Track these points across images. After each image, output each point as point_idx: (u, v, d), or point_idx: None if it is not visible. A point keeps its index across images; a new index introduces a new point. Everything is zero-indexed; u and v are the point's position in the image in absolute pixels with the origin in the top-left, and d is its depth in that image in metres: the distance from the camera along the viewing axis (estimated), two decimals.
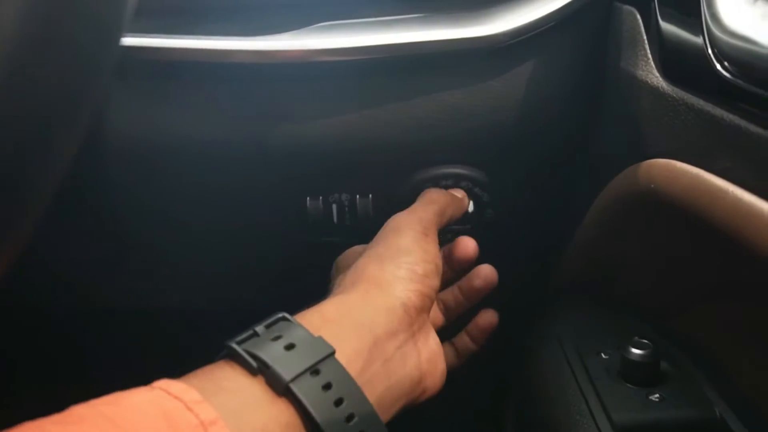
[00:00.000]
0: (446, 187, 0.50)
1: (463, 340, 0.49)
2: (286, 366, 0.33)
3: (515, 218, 0.51)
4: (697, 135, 0.36)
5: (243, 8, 0.47)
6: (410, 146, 0.47)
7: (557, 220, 0.52)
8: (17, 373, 0.77)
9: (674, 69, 0.38)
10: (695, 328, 0.44)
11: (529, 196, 0.52)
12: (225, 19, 0.46)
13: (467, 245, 0.48)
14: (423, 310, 0.43)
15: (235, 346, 0.34)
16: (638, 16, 0.42)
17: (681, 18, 0.38)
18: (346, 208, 0.51)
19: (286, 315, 0.38)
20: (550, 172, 0.51)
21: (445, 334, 0.49)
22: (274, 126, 0.47)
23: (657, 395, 0.41)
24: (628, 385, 0.42)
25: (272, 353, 0.34)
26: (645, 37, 0.41)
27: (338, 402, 0.34)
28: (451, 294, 0.49)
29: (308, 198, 0.50)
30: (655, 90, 0.39)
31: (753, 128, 0.32)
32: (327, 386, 0.34)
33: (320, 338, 0.36)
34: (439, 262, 0.46)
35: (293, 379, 0.33)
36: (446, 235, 0.51)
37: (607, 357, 0.45)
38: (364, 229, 0.49)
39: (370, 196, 0.50)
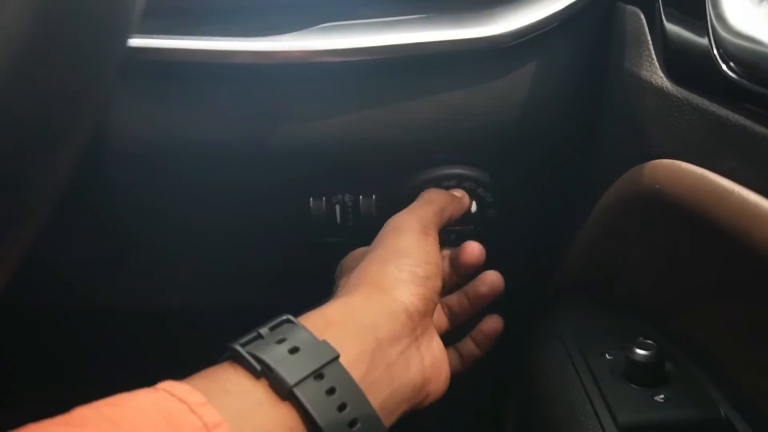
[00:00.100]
0: (448, 188, 0.50)
1: (468, 345, 0.49)
2: (290, 370, 0.33)
3: (518, 218, 0.51)
4: (701, 135, 0.36)
5: (244, 9, 0.47)
6: (413, 147, 0.47)
7: (560, 220, 0.52)
8: (17, 373, 0.76)
9: (679, 69, 0.38)
10: (697, 329, 0.44)
11: (531, 196, 0.52)
12: (226, 19, 0.46)
13: (473, 250, 0.48)
14: (426, 313, 0.43)
15: (239, 348, 0.34)
16: (642, 17, 0.41)
17: (685, 18, 0.38)
18: (349, 209, 0.51)
19: (291, 317, 0.37)
20: (552, 173, 0.51)
21: (449, 338, 0.49)
22: (275, 127, 0.47)
23: (662, 396, 0.41)
24: (633, 385, 0.42)
25: (276, 356, 0.34)
26: (649, 38, 0.40)
27: (341, 407, 0.34)
28: (457, 299, 0.49)
29: (311, 198, 0.50)
30: (659, 90, 0.39)
31: (758, 128, 0.32)
32: (330, 391, 0.34)
33: (324, 342, 0.36)
34: (440, 262, 0.45)
35: (297, 384, 0.33)
36: (449, 235, 0.51)
37: (611, 357, 0.45)
38: (367, 230, 0.49)
39: (373, 196, 0.50)
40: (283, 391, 0.33)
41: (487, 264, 0.48)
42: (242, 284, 0.60)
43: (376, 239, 0.46)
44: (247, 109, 0.47)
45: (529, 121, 0.46)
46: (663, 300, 0.46)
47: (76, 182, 0.27)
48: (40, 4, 0.22)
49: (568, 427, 0.43)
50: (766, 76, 0.31)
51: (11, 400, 0.74)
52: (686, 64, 0.37)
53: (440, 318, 0.49)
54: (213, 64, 0.45)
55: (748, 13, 0.33)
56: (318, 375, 0.34)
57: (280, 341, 0.35)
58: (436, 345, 0.43)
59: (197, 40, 0.44)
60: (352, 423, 0.34)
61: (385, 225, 0.46)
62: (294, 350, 0.35)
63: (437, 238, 0.46)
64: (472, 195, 0.50)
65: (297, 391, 0.33)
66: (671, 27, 0.38)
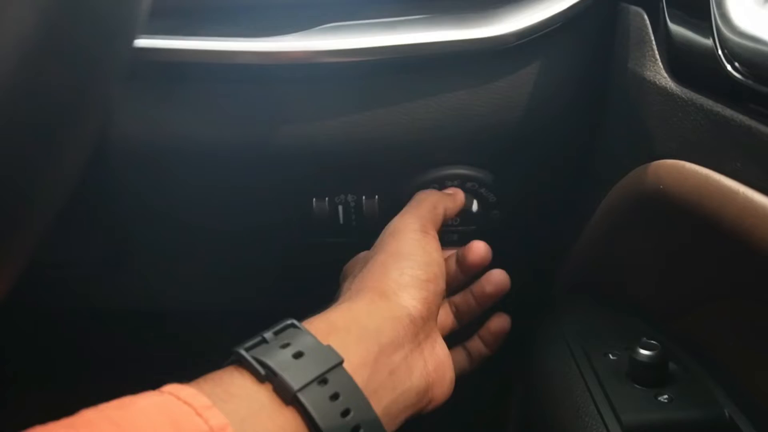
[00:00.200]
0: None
1: (476, 344, 0.50)
2: (294, 374, 0.33)
3: (521, 218, 0.51)
4: (706, 136, 0.36)
5: (246, 9, 0.47)
6: (416, 147, 0.47)
7: (563, 220, 0.52)
8: (18, 373, 0.76)
9: (683, 70, 0.38)
10: (701, 329, 0.44)
11: (535, 196, 0.52)
12: (229, 20, 0.46)
13: (479, 249, 0.48)
14: (429, 318, 0.43)
15: (243, 352, 0.34)
16: (646, 17, 0.41)
17: (689, 19, 0.37)
18: (352, 209, 0.51)
19: (295, 322, 0.38)
20: (555, 173, 0.51)
21: (457, 338, 0.49)
22: (278, 127, 0.47)
23: (666, 396, 0.41)
24: (637, 385, 0.42)
25: (280, 361, 0.34)
26: (653, 38, 0.40)
27: (345, 413, 0.34)
28: (464, 299, 0.49)
29: (314, 199, 0.50)
30: (663, 90, 0.39)
31: (763, 129, 0.32)
32: (334, 396, 0.34)
33: (329, 347, 0.36)
34: (442, 261, 0.46)
35: (301, 389, 0.33)
36: (451, 236, 0.51)
37: (614, 358, 0.45)
38: (370, 230, 0.49)
39: (376, 197, 0.50)
40: (288, 396, 0.33)
41: (491, 264, 0.48)
42: (244, 284, 0.60)
43: (376, 244, 0.46)
44: (249, 110, 0.47)
45: (533, 122, 0.46)
46: (667, 300, 0.46)
47: (78, 182, 0.27)
48: (46, 6, 0.21)
49: (572, 428, 0.43)
50: None
51: (11, 400, 0.74)
52: (690, 65, 0.37)
53: (447, 317, 0.49)
54: (215, 65, 0.45)
55: (753, 14, 0.33)
56: (322, 380, 0.34)
57: (285, 346, 0.35)
58: (439, 349, 0.44)
59: (200, 40, 0.44)
60: (355, 429, 0.34)
61: (384, 230, 0.46)
62: (298, 355, 0.35)
63: (437, 237, 0.47)
64: (475, 195, 0.50)
65: (301, 396, 0.33)
66: (675, 27, 0.38)
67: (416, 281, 0.43)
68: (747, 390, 0.40)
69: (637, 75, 0.41)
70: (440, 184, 0.49)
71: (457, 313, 0.49)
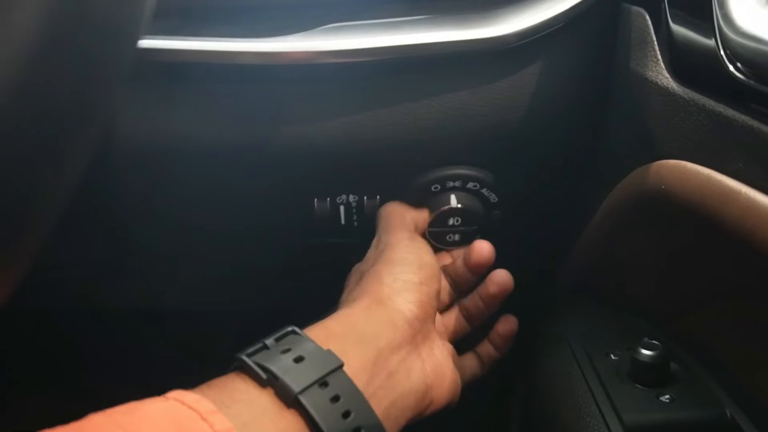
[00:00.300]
0: (453, 188, 0.49)
1: (486, 348, 0.50)
2: (295, 378, 0.34)
3: (523, 219, 0.51)
4: (708, 136, 0.36)
5: (248, 10, 0.47)
6: (417, 147, 0.47)
7: (565, 221, 0.52)
8: (18, 373, 0.76)
9: (685, 70, 0.38)
10: (703, 329, 0.44)
11: (536, 197, 0.52)
12: (230, 20, 0.46)
13: (482, 249, 0.48)
14: (426, 319, 0.44)
15: (245, 358, 0.35)
16: (647, 17, 0.41)
17: (691, 19, 0.38)
18: (354, 210, 0.51)
19: (296, 328, 0.38)
20: (556, 173, 0.51)
21: (469, 343, 0.50)
22: (279, 127, 0.47)
23: (667, 396, 0.41)
24: (638, 386, 0.42)
25: (282, 365, 0.35)
26: (655, 38, 0.40)
27: (346, 414, 0.35)
28: (473, 301, 0.50)
29: (315, 199, 0.50)
30: (665, 91, 0.39)
31: (765, 129, 0.32)
32: (335, 398, 0.35)
33: (329, 351, 0.37)
34: (434, 263, 0.47)
35: (302, 391, 0.34)
36: (453, 236, 0.51)
37: (616, 358, 0.45)
38: (371, 230, 0.49)
39: (378, 197, 0.50)
40: (289, 399, 0.34)
41: (492, 265, 0.48)
42: (245, 284, 0.60)
43: (367, 257, 0.48)
44: (251, 110, 0.47)
45: (534, 122, 0.46)
46: (668, 300, 0.46)
47: (80, 185, 0.27)
48: (50, 10, 0.21)
49: (573, 428, 0.43)
50: None
51: (12, 402, 0.74)
52: (693, 65, 0.38)
53: (460, 321, 0.50)
54: (216, 65, 0.44)
55: (755, 14, 0.33)
56: (323, 383, 0.35)
57: (286, 351, 0.36)
58: (437, 351, 0.44)
59: (201, 41, 0.44)
60: (356, 430, 0.35)
61: (372, 245, 0.48)
62: (299, 359, 0.35)
63: (424, 240, 0.48)
64: (477, 195, 0.50)
65: (302, 399, 0.34)
66: (677, 28, 0.38)
67: (410, 285, 0.44)
68: (749, 390, 0.40)
69: (639, 75, 0.41)
70: (441, 184, 0.49)
71: (468, 316, 0.50)
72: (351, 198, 0.50)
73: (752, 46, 0.32)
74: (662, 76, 0.39)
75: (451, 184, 0.49)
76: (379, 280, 0.44)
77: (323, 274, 0.54)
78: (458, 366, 0.47)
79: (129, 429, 0.28)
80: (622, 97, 0.44)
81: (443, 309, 0.50)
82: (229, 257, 0.57)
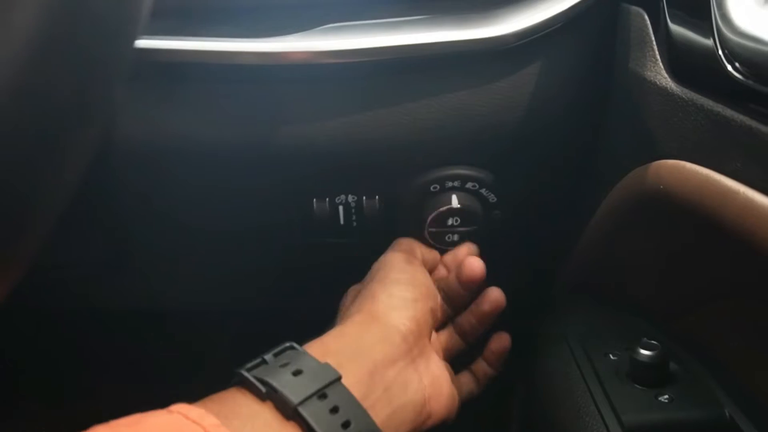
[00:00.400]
0: (452, 188, 0.49)
1: (481, 366, 0.51)
2: (293, 390, 0.35)
3: (522, 219, 0.51)
4: (707, 136, 0.36)
5: (247, 10, 0.47)
6: (417, 147, 0.47)
7: (564, 221, 0.52)
8: (18, 374, 0.76)
9: (684, 70, 0.38)
10: (702, 329, 0.44)
11: (536, 197, 0.52)
12: (230, 20, 0.46)
13: (473, 266, 0.48)
14: (421, 335, 0.44)
15: (245, 373, 0.36)
16: (646, 17, 0.41)
17: (690, 19, 0.38)
18: (353, 210, 0.51)
19: (294, 344, 0.39)
20: (556, 173, 0.51)
21: (464, 361, 0.50)
22: (278, 127, 0.47)
23: (666, 396, 0.41)
24: (637, 386, 0.42)
25: (280, 379, 0.35)
26: (653, 38, 0.40)
27: (345, 424, 0.35)
28: (466, 319, 0.50)
29: (314, 199, 0.50)
30: (663, 91, 0.39)
31: (764, 129, 0.32)
32: (334, 410, 0.35)
33: (327, 364, 0.37)
34: (429, 283, 0.48)
35: (301, 403, 0.34)
36: (452, 236, 0.51)
37: (615, 358, 0.45)
38: (370, 231, 0.49)
39: (377, 197, 0.50)
40: (289, 411, 0.34)
41: (492, 265, 0.48)
42: (244, 285, 0.60)
43: (365, 278, 0.49)
44: (250, 110, 0.47)
45: (534, 122, 0.46)
46: (668, 300, 0.46)
47: (78, 183, 0.27)
48: (47, 10, 0.21)
49: (573, 428, 0.43)
50: None
51: (12, 401, 0.74)
52: (691, 65, 0.38)
53: (455, 339, 0.51)
54: (216, 65, 0.45)
55: (754, 14, 0.33)
56: (321, 395, 0.36)
57: (284, 365, 0.37)
58: (434, 365, 0.45)
59: (201, 41, 0.44)
60: None
61: (371, 268, 0.49)
62: (297, 372, 0.36)
63: (422, 265, 0.49)
64: (476, 195, 0.50)
65: (301, 410, 0.34)
66: (676, 28, 0.38)
67: (404, 302, 0.45)
68: (748, 390, 0.40)
69: (637, 75, 0.41)
70: (440, 184, 0.49)
71: (462, 334, 0.51)
72: (350, 198, 0.50)
73: (750, 45, 0.32)
74: (661, 76, 0.39)
75: (450, 184, 0.49)
76: (374, 297, 0.45)
77: (323, 274, 0.54)
78: (455, 383, 0.47)
79: None
80: (621, 97, 0.44)
81: (438, 326, 0.50)
82: (229, 257, 0.57)
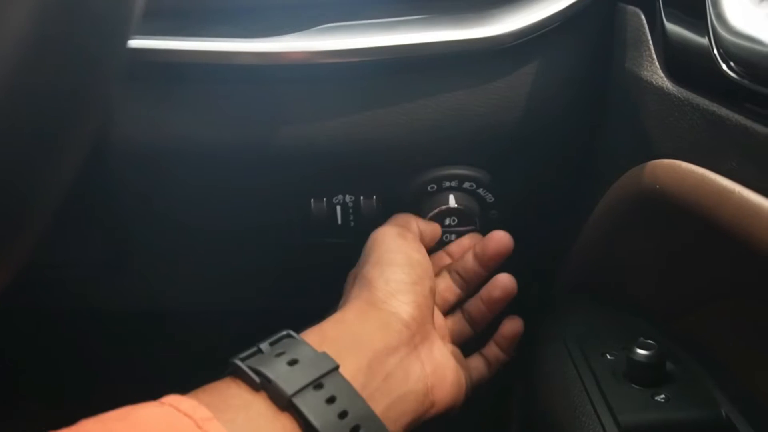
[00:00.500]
0: (450, 188, 0.50)
1: (493, 350, 0.50)
2: (288, 381, 0.34)
3: (520, 219, 0.51)
4: (702, 135, 0.36)
5: (246, 10, 0.47)
6: (414, 147, 0.47)
7: (562, 221, 0.52)
8: (18, 374, 0.77)
9: (679, 69, 0.38)
10: (701, 329, 0.44)
11: (534, 197, 0.52)
12: (229, 21, 0.46)
13: (502, 238, 0.48)
14: (423, 320, 0.43)
15: (239, 362, 0.35)
16: (642, 17, 0.41)
17: (686, 18, 0.38)
18: (350, 210, 0.51)
19: (291, 332, 0.38)
20: (554, 173, 0.51)
21: (474, 345, 0.50)
22: (277, 127, 0.47)
23: (663, 396, 0.41)
24: (634, 385, 0.42)
25: (275, 369, 0.34)
26: (650, 38, 0.40)
27: (342, 414, 0.34)
28: (475, 305, 0.49)
29: (312, 199, 0.50)
30: (659, 90, 0.39)
31: (759, 128, 0.32)
32: (330, 399, 0.34)
33: (324, 354, 0.37)
34: (425, 261, 0.46)
35: (295, 393, 0.33)
36: (450, 236, 0.51)
37: (612, 358, 0.45)
38: (368, 231, 0.49)
39: (374, 197, 0.50)
40: (282, 402, 0.33)
41: (505, 273, 0.49)
42: (243, 285, 0.60)
43: (360, 259, 0.47)
44: (249, 110, 0.47)
45: (531, 122, 0.46)
46: (667, 300, 0.46)
47: (78, 183, 0.27)
48: (42, 8, 0.22)
49: (570, 428, 0.43)
50: (766, 76, 0.31)
51: (12, 401, 0.75)
52: (687, 64, 0.38)
53: (463, 325, 0.50)
54: (215, 65, 0.45)
55: (748, 13, 0.33)
56: (317, 385, 0.35)
57: (280, 354, 0.36)
58: (437, 351, 0.44)
59: (199, 41, 0.44)
60: (355, 429, 0.34)
61: (364, 247, 0.47)
62: (293, 362, 0.35)
63: (417, 239, 0.47)
64: (474, 195, 0.50)
65: (296, 401, 0.33)
66: (671, 27, 0.39)
67: (403, 286, 0.43)
68: (746, 390, 0.40)
69: (634, 75, 0.41)
70: (438, 184, 0.49)
71: (471, 321, 0.50)
72: (347, 198, 0.50)
73: (745, 45, 0.32)
74: (657, 75, 0.39)
75: (447, 184, 0.49)
76: (371, 284, 0.43)
77: (322, 274, 0.54)
78: (464, 367, 0.47)
79: None
80: (618, 96, 0.44)
81: (447, 309, 0.50)
82: (229, 257, 0.57)
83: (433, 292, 0.45)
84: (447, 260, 0.51)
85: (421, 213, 0.50)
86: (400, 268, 0.44)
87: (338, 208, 0.51)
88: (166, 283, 0.60)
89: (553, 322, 0.51)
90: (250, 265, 0.57)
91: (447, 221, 0.50)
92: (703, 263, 0.41)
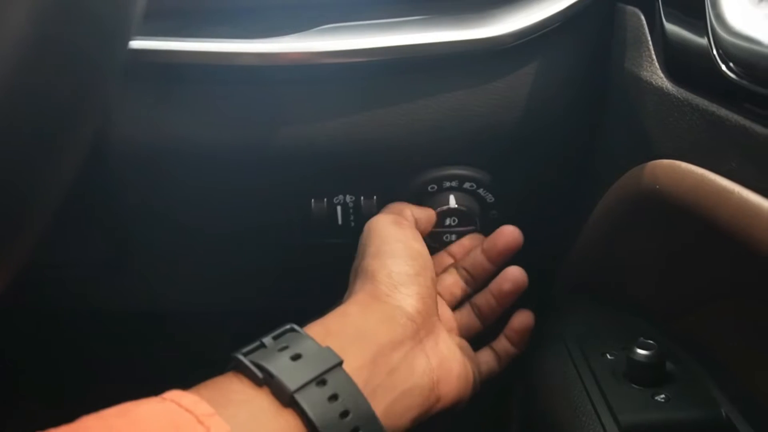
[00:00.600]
0: (450, 189, 0.50)
1: (503, 344, 0.49)
2: (291, 376, 0.33)
3: (519, 219, 0.51)
4: (702, 135, 0.36)
5: (246, 11, 0.47)
6: (414, 147, 0.47)
7: (562, 221, 0.52)
8: (18, 374, 0.77)
9: (679, 70, 0.38)
10: (701, 329, 0.44)
11: (533, 197, 0.52)
12: (228, 21, 0.46)
13: (512, 233, 0.48)
14: (428, 313, 0.43)
15: (241, 357, 0.34)
16: (642, 17, 0.41)
17: (685, 19, 0.38)
18: (351, 210, 0.51)
19: (294, 326, 0.38)
20: (554, 173, 0.51)
21: (484, 339, 0.49)
22: (277, 128, 0.47)
23: (663, 396, 0.41)
24: (634, 385, 0.42)
25: (278, 364, 0.34)
26: (649, 38, 0.41)
27: (344, 414, 0.34)
28: (484, 298, 0.49)
29: (312, 199, 0.50)
30: (659, 90, 0.39)
31: (758, 128, 0.32)
32: (333, 397, 0.34)
33: (328, 348, 0.36)
34: (424, 249, 0.45)
35: (298, 390, 0.33)
36: (450, 236, 0.51)
37: (612, 358, 0.45)
38: None
39: (375, 197, 0.50)
40: (285, 398, 0.33)
41: (516, 266, 0.49)
42: (244, 285, 0.60)
43: (358, 251, 0.46)
44: (249, 111, 0.47)
45: (531, 122, 0.47)
46: (667, 300, 0.46)
47: (78, 183, 0.27)
48: (42, 9, 0.22)
49: (570, 428, 0.43)
50: (766, 76, 0.31)
51: (12, 401, 0.75)
52: (686, 65, 0.38)
53: (471, 319, 0.49)
54: (215, 66, 0.45)
55: (748, 14, 0.33)
56: (320, 381, 0.34)
57: (283, 349, 0.35)
58: (443, 344, 0.43)
59: (200, 42, 0.44)
60: (354, 430, 0.34)
61: (360, 237, 0.46)
62: (296, 357, 0.35)
63: (412, 226, 0.47)
64: (474, 195, 0.50)
65: (298, 397, 0.33)
66: (671, 27, 0.39)
67: (406, 278, 0.43)
68: (746, 389, 0.40)
69: (633, 75, 0.41)
70: (438, 184, 0.49)
71: (480, 315, 0.49)
72: (348, 198, 0.50)
73: (744, 45, 0.32)
74: (656, 75, 0.39)
75: (447, 184, 0.49)
76: (374, 277, 0.43)
77: (323, 274, 0.54)
78: (473, 361, 0.46)
79: None
80: (617, 97, 0.45)
81: (455, 304, 0.50)
82: (229, 258, 0.57)
83: (434, 282, 0.45)
84: (449, 260, 0.51)
85: None
86: (402, 259, 0.43)
87: (339, 208, 0.51)
88: (166, 284, 0.60)
89: (553, 322, 0.51)
90: (250, 265, 0.57)
91: (447, 221, 0.50)
92: (703, 263, 0.41)
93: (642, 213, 0.42)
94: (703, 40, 0.35)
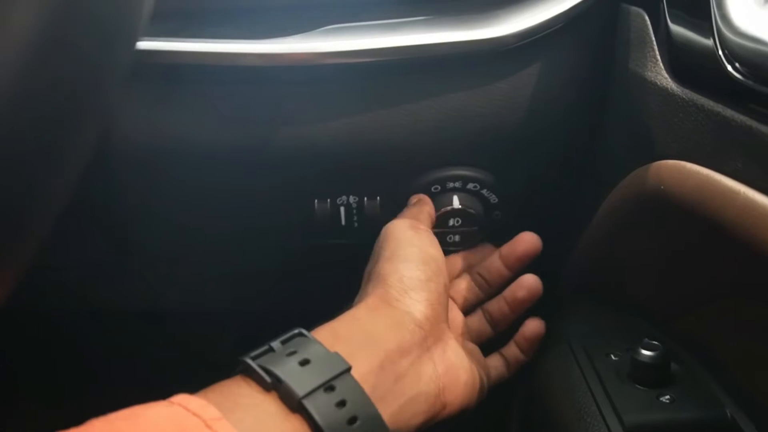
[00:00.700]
0: (453, 189, 0.50)
1: (513, 350, 0.49)
2: (299, 381, 0.33)
3: (523, 219, 0.51)
4: (707, 136, 0.36)
5: (248, 11, 0.47)
6: (417, 148, 0.47)
7: (565, 221, 0.52)
8: (18, 375, 0.76)
9: (684, 70, 0.38)
10: (701, 329, 0.44)
11: (536, 198, 0.52)
12: (230, 22, 0.46)
13: (531, 239, 0.48)
14: (437, 320, 0.42)
15: (249, 361, 0.34)
16: (646, 18, 0.41)
17: (690, 19, 0.38)
18: (354, 210, 0.51)
19: (303, 331, 0.38)
20: (556, 173, 0.51)
21: (494, 345, 0.50)
22: (279, 128, 0.47)
23: (667, 396, 0.41)
24: (638, 386, 0.42)
25: (286, 369, 0.34)
26: (654, 39, 0.40)
27: (351, 420, 0.34)
28: (497, 305, 0.49)
29: (315, 200, 0.50)
30: (664, 91, 0.39)
31: (764, 129, 0.32)
32: (341, 403, 0.34)
33: (336, 354, 0.36)
34: (439, 255, 0.45)
35: (306, 395, 0.33)
36: (453, 236, 0.51)
37: (616, 358, 0.45)
38: (371, 231, 0.49)
39: (378, 198, 0.50)
40: (293, 403, 0.33)
41: (531, 273, 0.49)
42: (245, 286, 0.60)
43: (373, 255, 0.46)
44: (251, 112, 0.47)
45: (534, 122, 0.46)
46: (669, 300, 0.46)
47: (78, 184, 0.27)
48: (46, 14, 0.21)
49: (574, 428, 0.43)
50: None
51: (12, 401, 0.74)
52: (691, 65, 0.38)
53: (482, 325, 0.49)
54: (217, 67, 0.45)
55: (753, 14, 0.33)
56: (329, 387, 0.34)
57: (291, 354, 0.35)
58: (451, 351, 0.43)
59: (201, 42, 0.44)
60: None
61: (377, 241, 0.46)
62: (305, 362, 0.35)
63: (430, 231, 0.47)
64: (477, 196, 0.50)
65: (306, 403, 0.33)
66: (676, 28, 0.38)
67: (416, 282, 0.42)
68: (749, 390, 0.40)
69: (638, 76, 0.41)
70: (441, 185, 0.49)
71: (492, 321, 0.49)
72: (351, 199, 0.50)
73: (750, 46, 0.32)
74: (661, 76, 0.39)
75: (451, 184, 0.49)
76: (385, 281, 0.42)
77: (324, 275, 0.54)
78: (483, 367, 0.46)
79: None
80: (621, 97, 0.44)
81: (467, 309, 0.50)
82: (230, 258, 0.57)
83: (446, 288, 0.44)
84: (464, 264, 0.51)
85: None
86: (415, 264, 0.43)
87: (342, 209, 0.51)
88: (167, 284, 0.60)
89: (556, 323, 0.51)
90: (251, 266, 0.57)
91: (451, 222, 0.50)
92: (706, 263, 0.41)
93: (646, 213, 0.42)
94: (709, 41, 0.35)
